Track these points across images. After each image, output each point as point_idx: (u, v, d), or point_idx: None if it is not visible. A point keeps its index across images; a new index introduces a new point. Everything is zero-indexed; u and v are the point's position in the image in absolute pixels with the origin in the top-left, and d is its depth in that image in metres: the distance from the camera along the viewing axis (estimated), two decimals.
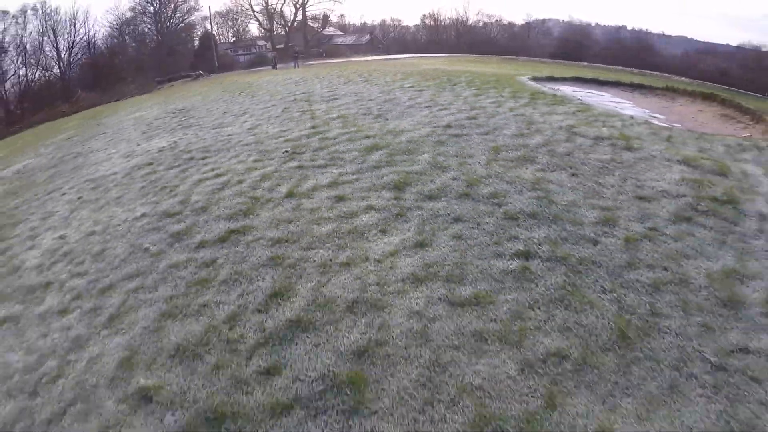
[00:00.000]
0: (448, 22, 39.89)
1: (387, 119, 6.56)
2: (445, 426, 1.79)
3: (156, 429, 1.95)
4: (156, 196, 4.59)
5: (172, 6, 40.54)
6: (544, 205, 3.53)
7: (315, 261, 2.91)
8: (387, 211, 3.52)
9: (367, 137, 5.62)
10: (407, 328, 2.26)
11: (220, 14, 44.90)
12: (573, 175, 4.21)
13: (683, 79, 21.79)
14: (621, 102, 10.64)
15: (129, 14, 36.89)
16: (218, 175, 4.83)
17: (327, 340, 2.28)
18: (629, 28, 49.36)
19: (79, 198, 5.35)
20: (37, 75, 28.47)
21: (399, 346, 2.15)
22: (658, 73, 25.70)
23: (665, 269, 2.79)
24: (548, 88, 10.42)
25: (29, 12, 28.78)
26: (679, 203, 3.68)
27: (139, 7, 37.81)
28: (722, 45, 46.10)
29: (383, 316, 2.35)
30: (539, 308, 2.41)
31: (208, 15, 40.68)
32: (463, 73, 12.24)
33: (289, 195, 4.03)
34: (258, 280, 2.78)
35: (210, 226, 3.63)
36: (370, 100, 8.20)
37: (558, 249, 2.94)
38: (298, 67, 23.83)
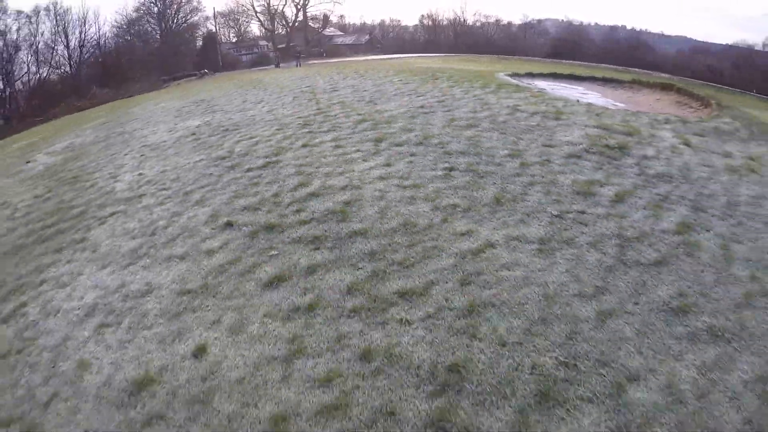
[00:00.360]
0: (446, 22, 42.25)
1: (375, 103, 8.67)
2: (393, 222, 3.83)
3: (236, 236, 4.00)
4: (206, 151, 6.69)
5: (175, 6, 42.97)
6: (472, 148, 5.60)
7: (322, 171, 4.99)
8: (368, 152, 5.60)
9: (359, 115, 7.72)
10: (373, 195, 4.32)
11: (222, 14, 47.39)
12: (502, 133, 6.27)
13: (664, 75, 23.86)
14: (588, 93, 12.74)
15: (134, 15, 39.40)
16: (251, 138, 6.93)
17: (329, 200, 4.33)
18: (629, 27, 51.82)
19: (141, 155, 7.45)
20: (47, 73, 30.80)
21: (367, 200, 4.21)
22: (648, 71, 27.69)
23: (542, 177, 4.81)
24: (521, 82, 12.54)
25: (42, 12, 31.18)
26: (575, 148, 5.71)
27: (144, 8, 40.31)
28: (716, 44, 48.39)
29: (360, 191, 4.42)
30: (451, 189, 4.46)
31: (211, 15, 43.14)
32: (448, 70, 14.38)
33: (304, 146, 6.12)
34: (288, 180, 4.86)
35: (252, 161, 5.72)
36: (364, 90, 10.32)
37: (472, 167, 5.00)
38: (300, 66, 26.05)
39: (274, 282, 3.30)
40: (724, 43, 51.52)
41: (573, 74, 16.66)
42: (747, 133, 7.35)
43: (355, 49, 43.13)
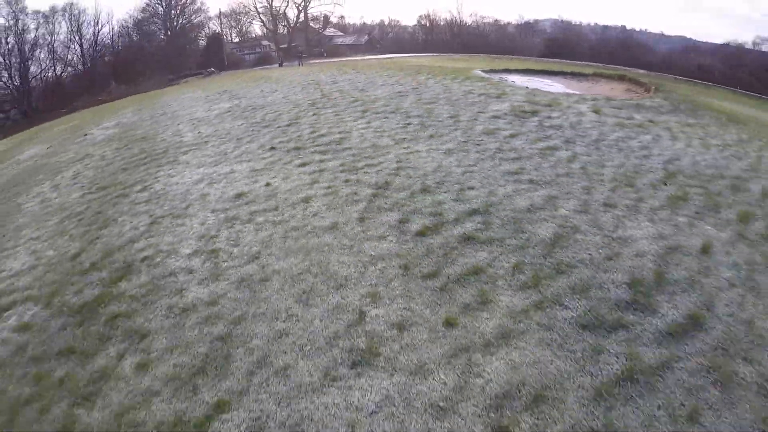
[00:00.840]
0: (443, 23, 45.82)
1: (366, 91, 11.96)
2: (366, 144, 7.06)
3: (278, 152, 7.22)
4: (244, 119, 9.98)
5: (180, 8, 46.72)
6: (426, 114, 8.84)
7: (326, 126, 8.28)
8: (356, 117, 8.88)
9: (352, 98, 11.01)
10: (357, 135, 7.57)
11: (224, 14, 51.22)
12: (451, 106, 9.51)
13: (640, 71, 27.17)
14: (553, 84, 15.93)
15: (140, 15, 43.17)
16: (275, 112, 10.23)
17: (330, 137, 7.58)
18: (628, 28, 55.63)
19: (193, 124, 10.73)
20: (63, 70, 34.44)
21: (354, 137, 7.45)
22: (635, 68, 30.90)
23: (465, 126, 8.02)
24: (490, 75, 15.81)
25: (59, 13, 34.90)
26: (498, 113, 8.94)
27: (150, 8, 44.09)
28: (708, 43, 52.01)
29: (349, 133, 7.68)
30: (405, 132, 7.68)
31: (216, 15, 46.94)
32: (433, 67, 17.72)
33: (314, 114, 9.41)
34: (305, 130, 8.18)
35: (280, 123, 9.01)
36: (358, 82, 13.64)
37: (422, 122, 8.24)
38: (302, 65, 29.50)
39: (302, 165, 6.53)
40: (718, 42, 54.96)
41: (544, 70, 19.94)
42: (670, 107, 10.33)
43: (354, 49, 46.75)
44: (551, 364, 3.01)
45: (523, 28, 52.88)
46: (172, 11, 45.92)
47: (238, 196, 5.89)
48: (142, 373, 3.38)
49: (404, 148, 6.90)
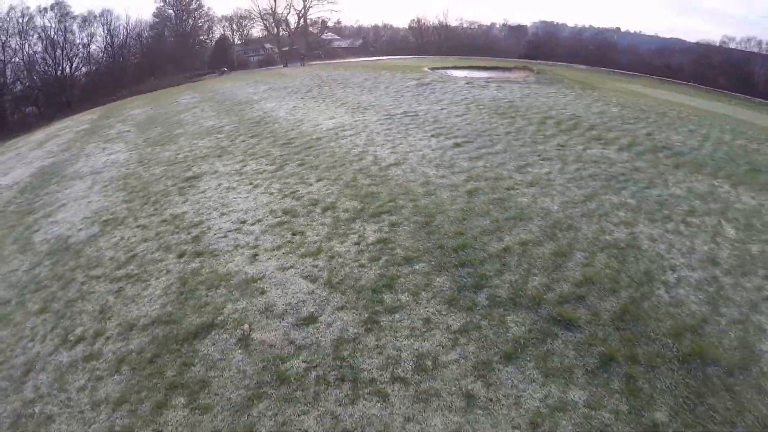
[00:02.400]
0: (432, 27, 58.99)
1: (347, 81, 24.23)
2: (338, 92, 19.04)
3: (314, 93, 19.26)
4: (281, 91, 22.21)
5: (188, 12, 60.35)
6: (372, 86, 20.92)
7: (325, 92, 20.36)
8: (341, 89, 21.00)
9: (339, 83, 23.33)
10: (341, 93, 19.59)
11: (228, 18, 64.89)
12: (386, 87, 21.60)
13: (548, 63, 39.49)
14: (475, 74, 28.10)
15: (153, 20, 56.71)
16: (296, 89, 22.49)
17: (330, 95, 19.63)
18: (623, 30, 69.04)
19: (252, 95, 22.93)
20: (101, 65, 47.53)
21: (339, 93, 19.49)
22: (546, 62, 43.04)
23: (385, 88, 20.03)
24: (433, 71, 28.02)
25: (96, 17, 48.30)
26: (409, 85, 20.98)
27: (163, 14, 57.69)
28: (682, 41, 65.29)
29: (338, 94, 19.74)
30: (360, 92, 19.68)
31: (220, 20, 60.50)
32: (399, 65, 30.08)
33: (319, 88, 21.58)
34: (325, 91, 20.23)
35: (305, 92, 21.17)
36: (344, 77, 25.99)
37: (368, 88, 20.27)
38: (303, 65, 42.17)
39: (318, 103, 18.48)
40: (693, 41, 68.15)
41: (485, 66, 32.17)
42: (534, 80, 22.30)
43: (350, 51, 60.01)
44: None
45: (508, 31, 66.13)
46: (183, 14, 59.55)
47: (294, 109, 17.83)
48: None
49: (363, 96, 18.91)
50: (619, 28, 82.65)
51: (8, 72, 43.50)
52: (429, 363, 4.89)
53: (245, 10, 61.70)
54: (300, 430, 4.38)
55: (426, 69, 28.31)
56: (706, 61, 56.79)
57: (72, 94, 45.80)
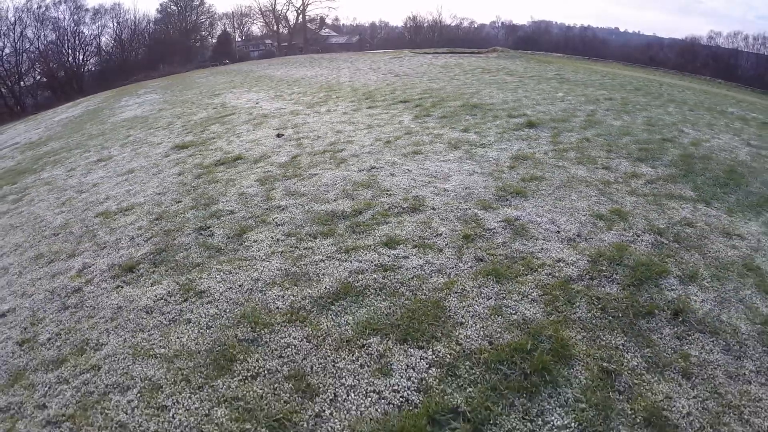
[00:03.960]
0: (426, 24, 63.73)
1: (339, 66, 28.62)
2: (342, 76, 23.37)
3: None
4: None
5: (192, 7, 65.18)
6: (368, 65, 25.27)
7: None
8: (335, 70, 25.35)
9: (333, 69, 27.69)
10: (333, 76, 23.94)
11: (228, 15, 69.81)
12: (364, 61, 25.96)
13: (501, 48, 43.94)
14: (450, 57, 32.50)
15: (158, 15, 61.57)
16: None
17: (330, 76, 23.97)
18: (621, 30, 73.97)
19: (266, 66, 27.39)
20: (110, 56, 52.31)
21: (331, 76, 23.86)
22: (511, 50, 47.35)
23: (371, 64, 24.40)
24: (414, 54, 32.43)
25: (107, 10, 53.20)
26: (386, 59, 25.41)
27: (166, 9, 62.55)
28: (672, 39, 70.04)
29: (333, 74, 24.10)
30: (351, 69, 24.00)
31: (225, 17, 65.40)
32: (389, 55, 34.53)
33: (311, 62, 25.97)
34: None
35: (296, 64, 25.55)
36: (334, 57, 30.39)
37: (366, 67, 24.62)
38: None
39: (322, 65, 22.81)
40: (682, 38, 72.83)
41: (462, 52, 36.51)
42: (506, 57, 26.58)
43: (346, 47, 64.75)
44: None
45: (503, 29, 70.80)
46: (185, 11, 64.42)
47: (288, 71, 22.18)
48: None
49: (353, 69, 23.25)
50: (617, 29, 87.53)
51: (24, 60, 48.27)
52: None
53: (246, 7, 66.54)
54: None
55: (406, 52, 32.75)
56: (690, 55, 61.37)
57: (83, 81, 50.51)
